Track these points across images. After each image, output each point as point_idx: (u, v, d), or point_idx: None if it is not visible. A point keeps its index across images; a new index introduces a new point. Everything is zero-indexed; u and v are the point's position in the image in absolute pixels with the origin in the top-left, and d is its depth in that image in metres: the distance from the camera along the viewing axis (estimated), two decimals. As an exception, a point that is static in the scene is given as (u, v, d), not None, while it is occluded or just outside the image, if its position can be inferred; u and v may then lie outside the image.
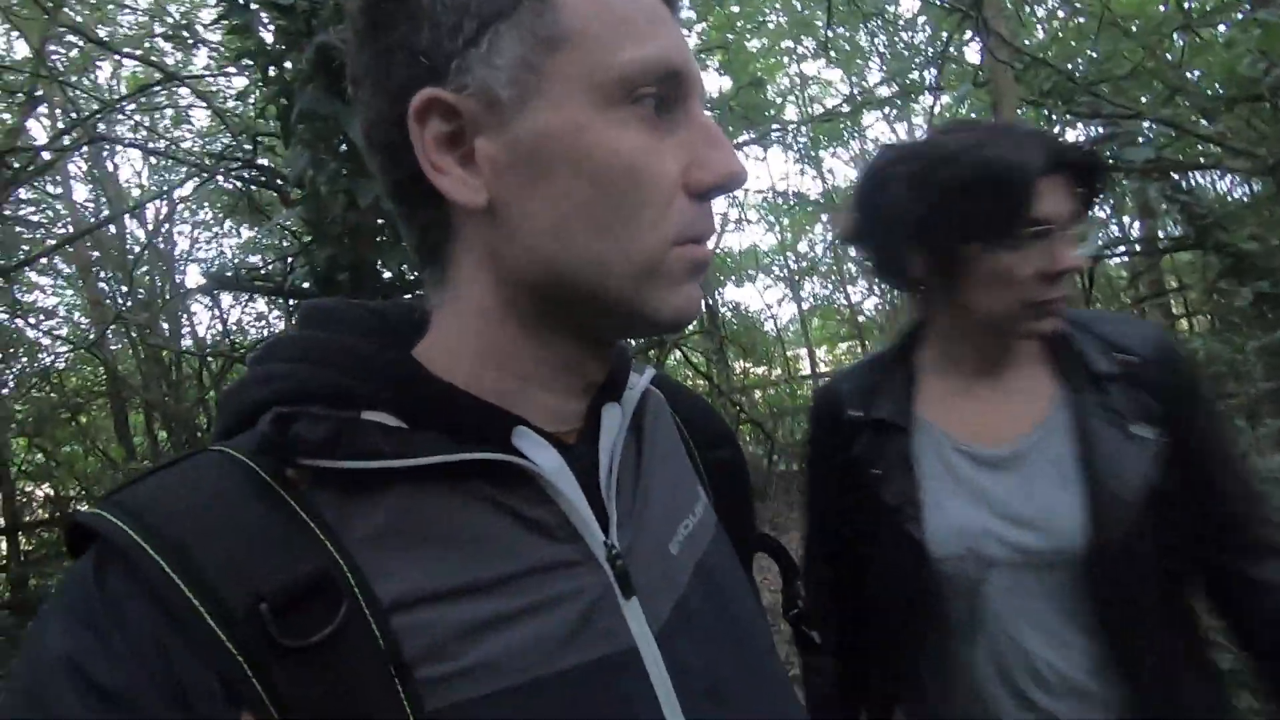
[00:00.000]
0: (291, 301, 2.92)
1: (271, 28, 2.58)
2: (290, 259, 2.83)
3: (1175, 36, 4.69)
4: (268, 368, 0.47)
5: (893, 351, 1.05)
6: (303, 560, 0.39)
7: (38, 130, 6.65)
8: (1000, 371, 0.97)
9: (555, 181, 0.44)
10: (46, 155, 5.06)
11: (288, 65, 2.62)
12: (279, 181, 3.44)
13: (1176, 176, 4.67)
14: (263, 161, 4.12)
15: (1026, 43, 5.20)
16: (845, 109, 6.83)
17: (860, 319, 10.33)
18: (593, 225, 0.44)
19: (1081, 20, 5.61)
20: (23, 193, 6.50)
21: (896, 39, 8.13)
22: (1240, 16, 4.17)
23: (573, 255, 0.45)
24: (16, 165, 4.32)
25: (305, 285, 2.80)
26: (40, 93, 5.05)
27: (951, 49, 5.08)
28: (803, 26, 7.19)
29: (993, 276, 0.89)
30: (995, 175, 0.87)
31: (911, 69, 6.70)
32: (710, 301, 8.25)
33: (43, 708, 0.34)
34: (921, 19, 7.98)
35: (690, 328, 7.63)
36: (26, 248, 6.39)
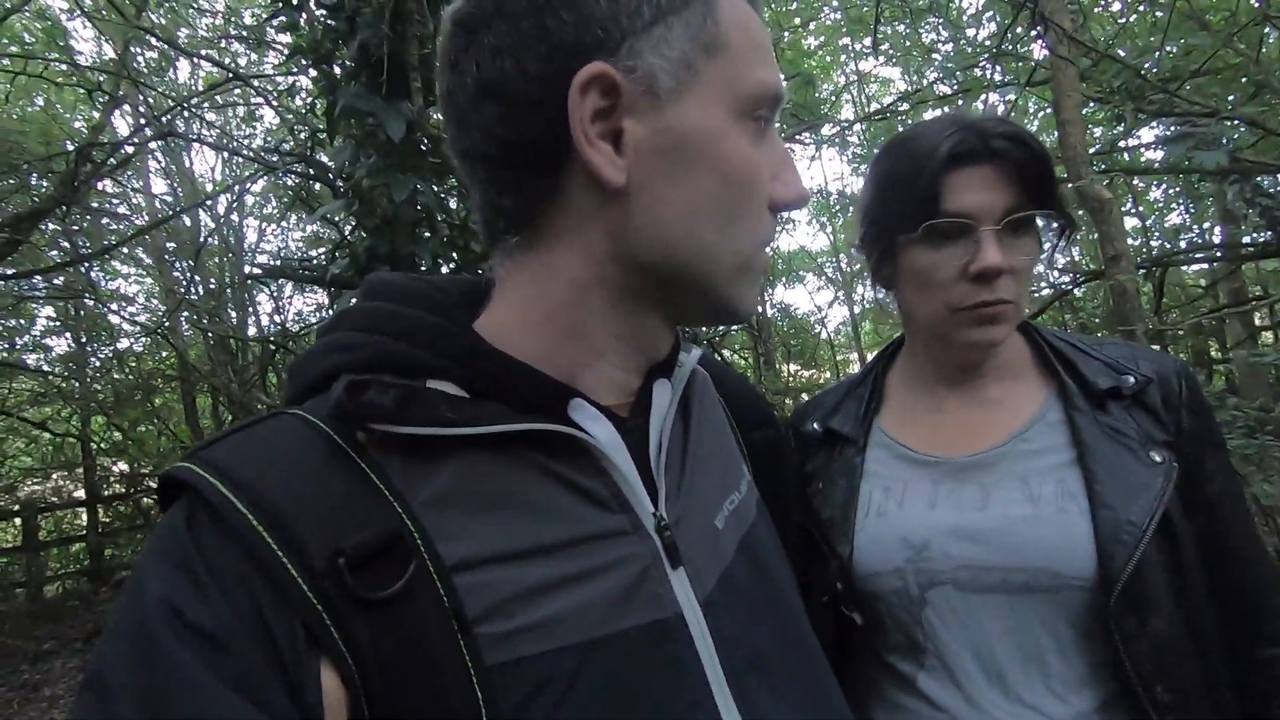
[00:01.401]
0: (332, 290, 3.04)
1: (320, 26, 2.69)
2: (335, 249, 2.94)
3: (1260, 30, 4.39)
4: (337, 337, 0.49)
5: (864, 371, 1.00)
6: (374, 520, 0.41)
7: (121, 127, 7.11)
8: (974, 384, 0.89)
9: (694, 175, 0.48)
10: (128, 149, 5.39)
11: (335, 63, 2.73)
12: (330, 176, 3.59)
13: (1261, 179, 4.37)
14: (320, 158, 4.30)
15: (1095, 37, 4.95)
16: (902, 106, 6.65)
17: (914, 324, 10.03)
18: (715, 219, 0.49)
19: (1158, 14, 5.31)
20: (107, 186, 6.98)
21: (960, 35, 7.87)
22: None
23: (694, 242, 0.49)
24: (98, 159, 4.61)
25: (345, 274, 2.90)
26: (122, 92, 5.39)
27: (1012, 45, 4.88)
28: (859, 24, 7.04)
29: (916, 276, 0.83)
30: (905, 165, 0.82)
31: (974, 65, 6.47)
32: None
33: (145, 645, 0.36)
34: (987, 14, 7.70)
35: (733, 328, 7.57)
36: (111, 238, 6.84)
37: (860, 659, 0.88)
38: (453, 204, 3.07)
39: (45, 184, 5.44)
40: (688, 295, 0.51)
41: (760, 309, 8.71)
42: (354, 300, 0.54)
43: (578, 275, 0.50)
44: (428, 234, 2.80)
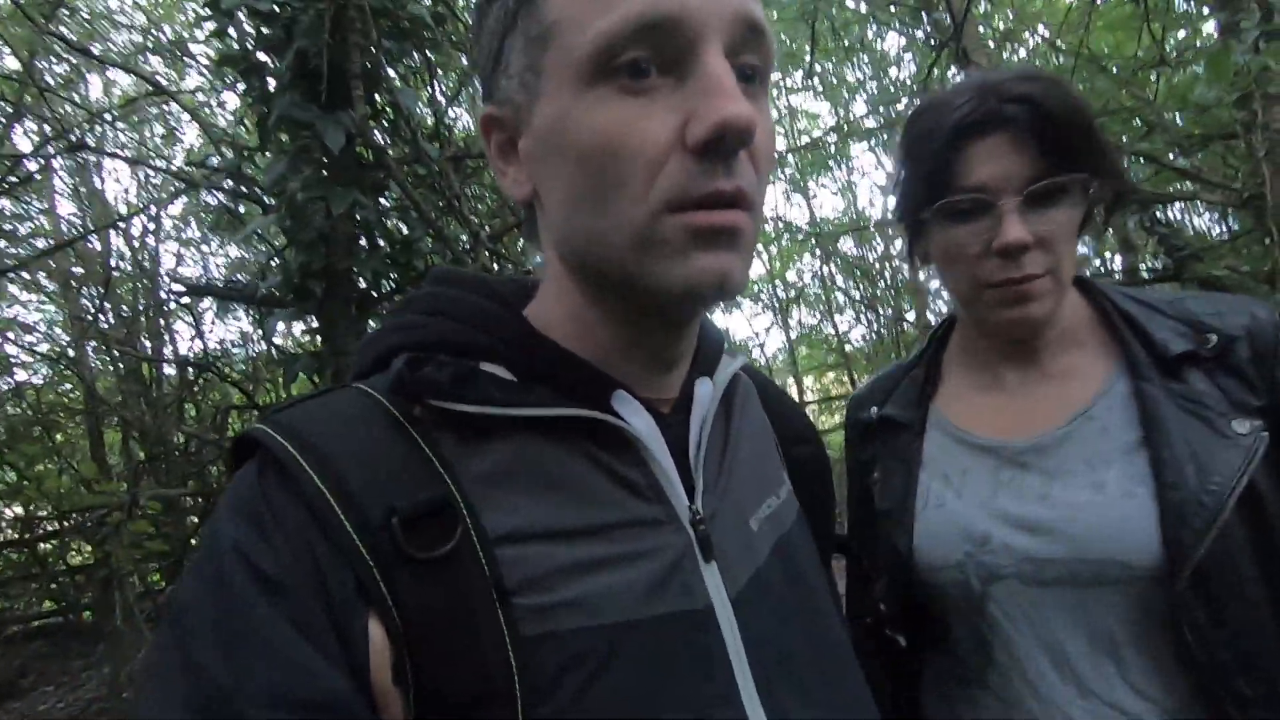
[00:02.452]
0: (261, 310, 2.88)
1: (253, 35, 2.59)
2: (264, 266, 2.80)
3: (1152, 76, 4.80)
4: (403, 318, 0.53)
5: (920, 351, 0.95)
6: (426, 487, 0.43)
7: (24, 144, 6.65)
8: (1033, 356, 0.82)
9: (558, 168, 0.47)
10: (32, 166, 5.03)
11: (267, 74, 2.63)
12: (259, 192, 3.43)
13: (1155, 210, 4.74)
14: (248, 175, 4.11)
15: (1007, 77, 5.32)
16: (831, 139, 6.94)
17: (847, 348, 10.36)
18: (587, 204, 0.46)
19: (1059, 60, 5.76)
20: (6, 205, 6.47)
21: (882, 73, 8.31)
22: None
23: (579, 235, 0.48)
24: (-2, 174, 4.29)
25: (278, 293, 2.76)
26: (27, 102, 5.05)
27: (934, 82, 5.18)
28: (790, 59, 7.35)
29: (943, 254, 0.80)
30: (921, 139, 0.78)
31: (896, 101, 6.83)
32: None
33: (219, 585, 0.40)
34: (907, 55, 8.18)
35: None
36: (9, 261, 6.33)
37: (922, 664, 0.84)
38: (393, 220, 2.98)
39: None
40: (611, 286, 0.49)
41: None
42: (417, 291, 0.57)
43: (560, 281, 0.53)
44: (366, 250, 2.70)
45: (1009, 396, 0.83)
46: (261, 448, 0.44)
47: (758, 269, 10.77)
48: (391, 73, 2.50)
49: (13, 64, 5.75)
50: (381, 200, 2.80)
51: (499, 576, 0.42)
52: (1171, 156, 4.58)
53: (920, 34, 6.97)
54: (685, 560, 0.48)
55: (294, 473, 0.42)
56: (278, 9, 2.28)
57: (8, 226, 6.87)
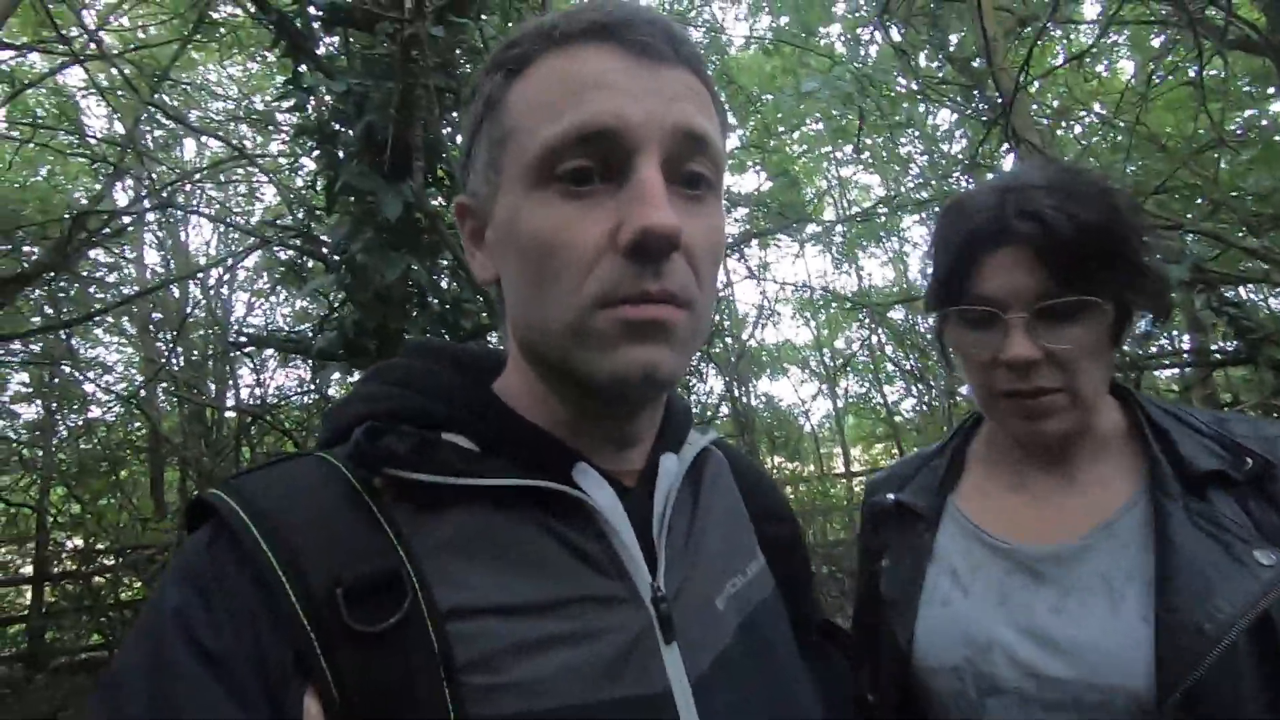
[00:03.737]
0: (316, 362, 3.01)
1: (326, 108, 2.80)
2: (322, 321, 2.94)
3: (1213, 154, 4.71)
4: (370, 388, 0.54)
5: (945, 440, 0.93)
6: (377, 558, 0.43)
7: (121, 199, 7.23)
8: (1060, 465, 0.79)
9: (510, 260, 0.50)
10: (124, 219, 5.45)
11: (338, 143, 2.82)
12: (325, 251, 3.63)
13: (1224, 289, 4.57)
14: (316, 234, 4.37)
15: (1060, 154, 5.29)
16: (881, 210, 6.97)
17: (896, 419, 10.10)
18: (528, 295, 0.49)
19: (1118, 137, 5.70)
20: (101, 255, 7.01)
21: (933, 148, 8.37)
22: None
23: (525, 323, 0.50)
24: (93, 228, 4.65)
25: (331, 347, 2.88)
26: (127, 166, 5.51)
27: (984, 159, 5.19)
28: (840, 134, 7.48)
29: (960, 354, 0.79)
30: (943, 238, 0.78)
31: (947, 175, 6.85)
32: (740, 394, 8.20)
33: (157, 649, 0.40)
34: (959, 131, 8.23)
35: (718, 418, 7.58)
36: (97, 305, 6.81)
37: None
38: (445, 282, 3.11)
39: (37, 251, 5.47)
40: (554, 371, 0.50)
41: (745, 399, 8.73)
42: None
43: (518, 358, 0.55)
44: (418, 311, 2.82)
45: (1031, 499, 0.80)
46: (215, 514, 0.45)
47: (805, 335, 10.72)
48: (451, 144, 2.64)
49: (119, 128, 6.33)
50: (437, 260, 2.93)
51: (448, 653, 0.42)
52: (1240, 235, 4.44)
53: (971, 111, 7.03)
54: (644, 640, 0.47)
55: (243, 541, 0.43)
56: (351, 86, 2.47)
57: (99, 273, 7.42)
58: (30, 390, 7.57)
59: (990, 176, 0.83)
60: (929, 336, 8.87)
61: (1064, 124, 6.91)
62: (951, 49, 7.01)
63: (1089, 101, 7.00)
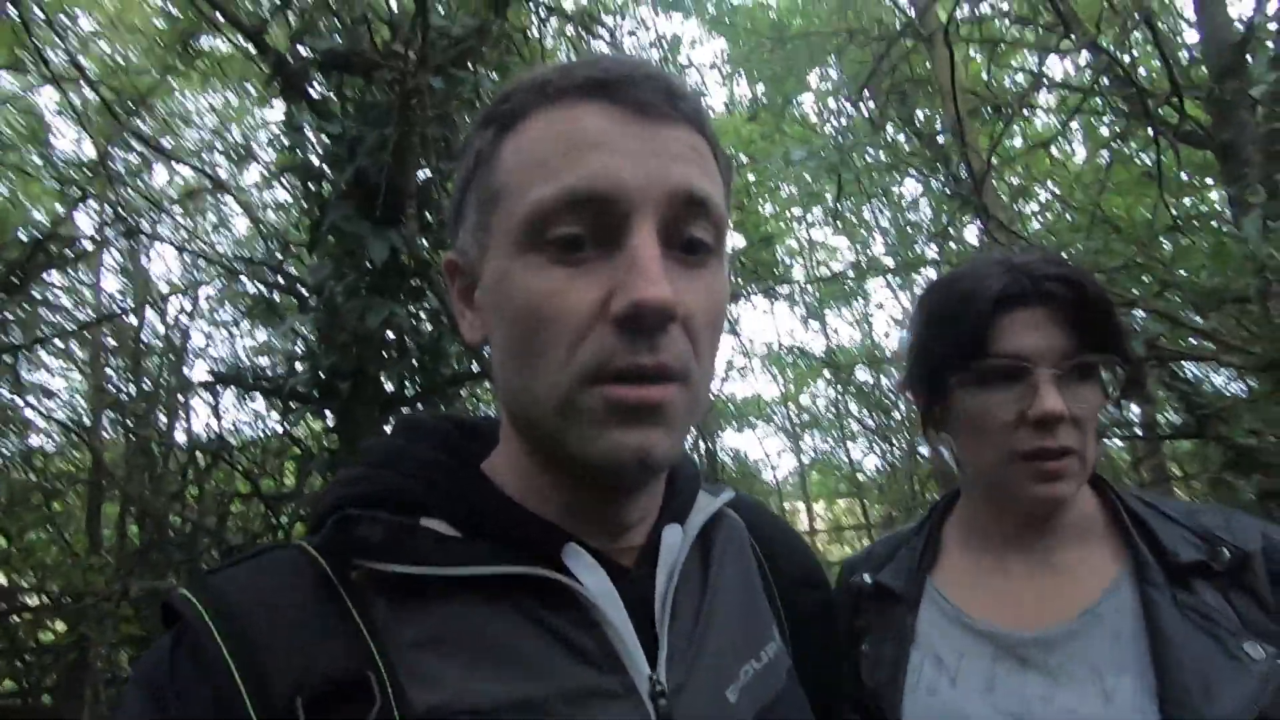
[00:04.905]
0: (289, 403, 2.93)
1: (319, 149, 2.79)
2: (294, 362, 2.87)
3: (1162, 240, 5.00)
4: (348, 471, 0.51)
5: (921, 520, 0.92)
6: (345, 659, 0.41)
7: (84, 224, 7.03)
8: (1041, 546, 0.80)
9: (497, 324, 0.48)
10: (86, 244, 5.29)
11: (327, 183, 2.81)
12: (299, 288, 3.57)
13: (1173, 365, 4.78)
14: (289, 270, 4.30)
15: (1022, 229, 5.55)
16: (850, 274, 7.19)
17: (860, 477, 10.20)
18: (517, 363, 0.47)
19: (1072, 216, 6.03)
20: (56, 278, 6.76)
21: (900, 215, 8.71)
22: (1222, 227, 4.46)
23: (513, 390, 0.48)
24: (53, 250, 4.50)
25: (306, 390, 2.81)
26: (94, 190, 5.39)
27: (952, 229, 5.41)
28: (812, 198, 7.74)
29: (971, 419, 0.78)
30: (953, 304, 0.79)
31: (914, 243, 7.12)
32: (708, 445, 8.21)
33: None
34: (924, 199, 8.61)
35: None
36: (47, 329, 6.53)
37: None
38: (425, 327, 3.07)
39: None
40: (543, 445, 0.48)
41: (710, 449, 8.73)
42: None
43: (504, 425, 0.53)
44: (397, 356, 2.77)
45: (1011, 582, 0.80)
46: (185, 622, 0.43)
47: (771, 391, 10.84)
48: (442, 191, 2.65)
49: (89, 151, 6.21)
50: (419, 306, 2.90)
51: None
52: (1188, 314, 4.67)
53: (935, 184, 7.37)
54: None
55: (206, 649, 0.41)
56: (345, 130, 2.47)
57: (51, 296, 7.14)
58: (-37, 415, 7.15)
59: (953, 247, 0.87)
60: (892, 396, 9.09)
61: (1023, 200, 7.28)
62: (918, 124, 7.38)
63: (1043, 179, 7.40)
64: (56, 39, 4.92)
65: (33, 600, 6.85)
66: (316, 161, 2.88)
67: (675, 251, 0.46)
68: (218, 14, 3.18)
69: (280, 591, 0.44)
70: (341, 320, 2.66)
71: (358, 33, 2.58)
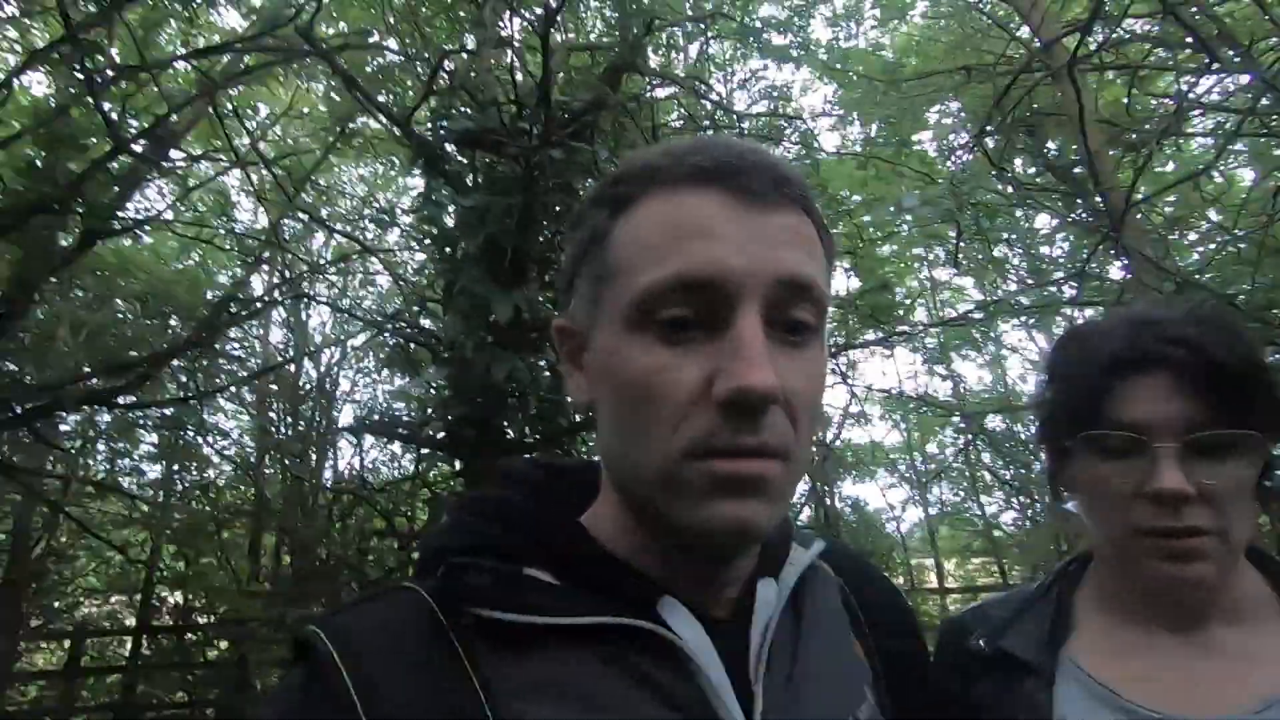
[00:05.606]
0: (422, 448, 3.17)
1: (453, 217, 3.07)
2: (430, 410, 3.12)
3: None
4: (457, 518, 0.54)
5: (1045, 583, 0.85)
6: (456, 705, 0.44)
7: (255, 283, 8.02)
8: (1195, 626, 0.73)
9: (605, 392, 0.50)
10: (259, 304, 6.03)
11: (460, 248, 3.08)
12: (434, 341, 3.89)
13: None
14: (425, 324, 4.70)
15: (1179, 262, 5.04)
16: (978, 315, 6.81)
17: (996, 533, 9.42)
18: (622, 433, 0.49)
19: (1240, 246, 5.40)
20: (233, 333, 7.73)
21: (1033, 251, 8.17)
22: None
23: (618, 459, 0.50)
24: (234, 310, 5.17)
25: (438, 435, 3.04)
26: (266, 255, 6.16)
27: (1093, 265, 5.02)
28: (934, 236, 7.45)
29: (1089, 488, 0.73)
30: (1073, 364, 0.74)
31: (1050, 282, 6.65)
32: (825, 494, 7.92)
33: None
34: (1061, 236, 8.03)
35: (801, 522, 7.30)
36: (225, 377, 7.46)
37: None
38: (546, 378, 3.25)
39: (182, 328, 6.11)
40: (645, 509, 0.49)
41: (830, 501, 8.41)
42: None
43: (606, 483, 0.54)
44: (518, 406, 2.95)
45: (1166, 663, 0.72)
46: (313, 653, 0.46)
47: (894, 438, 10.34)
48: (562, 254, 2.83)
49: (264, 221, 7.13)
50: (539, 360, 3.07)
51: None
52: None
53: (1072, 218, 6.88)
54: None
55: (335, 688, 0.44)
56: (476, 202, 2.71)
57: (229, 349, 8.16)
58: (157, 451, 8.23)
59: (1102, 302, 0.81)
60: (1031, 447, 8.38)
61: (1178, 233, 6.62)
62: (1050, 155, 6.96)
63: (1202, 209, 6.69)
64: (243, 129, 5.74)
65: (203, 620, 7.65)
66: (450, 226, 3.16)
67: (778, 333, 0.47)
68: (369, 101, 3.60)
69: (401, 634, 0.46)
70: (470, 373, 2.86)
71: (488, 113, 2.84)
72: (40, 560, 7.07)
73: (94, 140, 3.97)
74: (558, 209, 2.77)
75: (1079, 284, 5.22)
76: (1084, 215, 6.17)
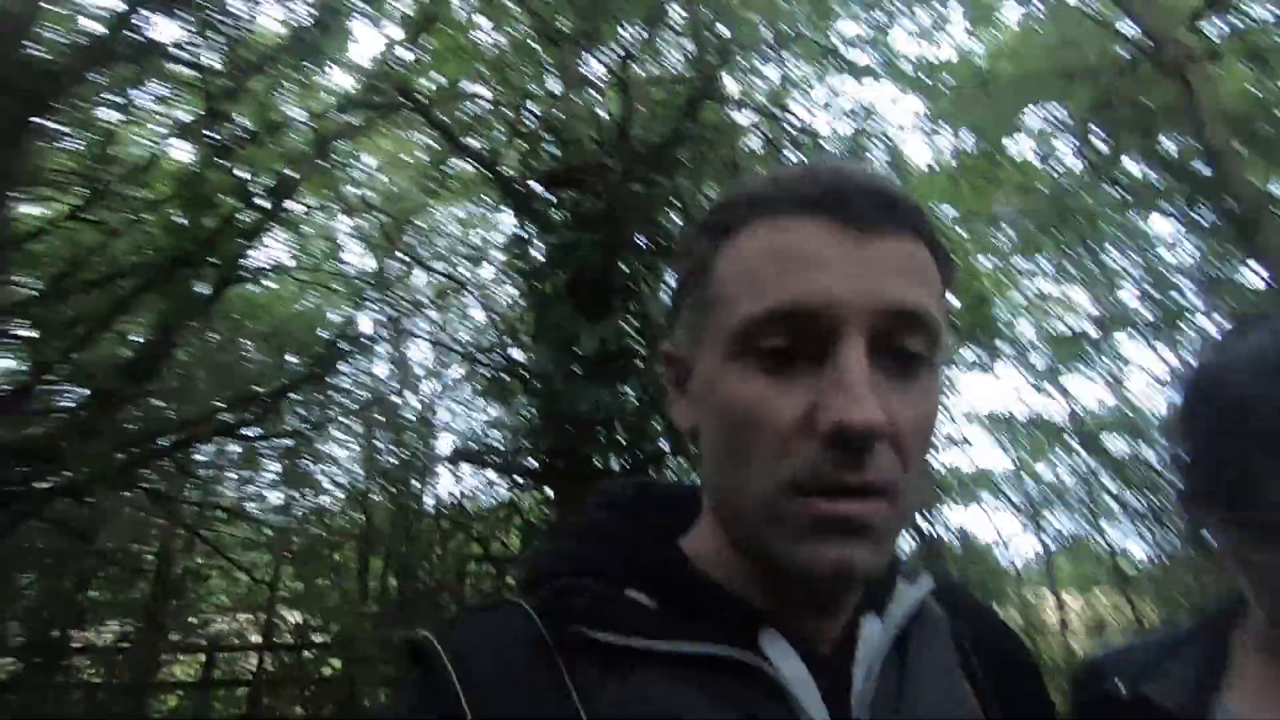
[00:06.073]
0: (515, 477, 3.28)
1: (542, 256, 3.20)
2: (522, 439, 3.22)
3: None
4: (561, 541, 0.56)
5: (1197, 623, 0.78)
6: (560, 715, 0.45)
7: (365, 323, 8.59)
8: None
9: (707, 420, 0.50)
10: (366, 341, 6.46)
11: (549, 285, 3.19)
12: (524, 373, 4.03)
13: None
14: (516, 356, 4.88)
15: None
16: (1091, 330, 6.34)
17: (1121, 565, 8.62)
18: (725, 463, 0.48)
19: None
20: (342, 366, 8.30)
21: (1152, 257, 7.56)
22: None
23: (720, 492, 0.50)
24: (344, 347, 5.55)
25: (529, 464, 3.13)
26: (372, 294, 6.60)
27: (1225, 275, 4.59)
28: (1033, 247, 7.02)
29: (1243, 565, 0.66)
30: (1213, 417, 0.65)
31: (1173, 289, 6.11)
32: (928, 522, 7.53)
33: None
34: (1187, 239, 7.38)
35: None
36: (336, 409, 8.00)
37: None
38: (631, 405, 3.30)
39: (300, 364, 6.62)
40: (748, 540, 0.48)
41: (934, 529, 7.99)
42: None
43: (708, 510, 0.54)
44: (605, 436, 3.01)
45: None
46: (427, 659, 0.48)
47: (1001, 463, 9.71)
48: (645, 286, 2.88)
49: (371, 263, 7.65)
50: (624, 390, 3.12)
51: None
52: None
53: (1198, 218, 6.32)
54: None
55: (446, 689, 0.45)
56: (563, 240, 2.82)
57: (340, 382, 8.75)
58: (279, 479, 8.89)
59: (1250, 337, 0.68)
60: (1160, 472, 7.63)
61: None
62: (1166, 156, 6.44)
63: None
64: (350, 179, 6.22)
65: (318, 639, 8.12)
66: (539, 262, 3.28)
67: (887, 363, 0.46)
68: (461, 147, 3.82)
69: (507, 645, 0.48)
70: (558, 403, 2.94)
71: (571, 151, 2.96)
72: (180, 580, 7.75)
73: (224, 197, 4.41)
74: (641, 242, 2.83)
75: (1209, 293, 4.78)
76: (1217, 214, 5.65)
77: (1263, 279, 3.84)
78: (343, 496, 8.93)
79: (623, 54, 2.85)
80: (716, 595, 0.49)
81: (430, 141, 6.51)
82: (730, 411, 0.47)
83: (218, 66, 3.60)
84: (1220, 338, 0.72)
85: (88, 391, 4.23)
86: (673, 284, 0.58)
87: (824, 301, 0.44)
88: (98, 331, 3.98)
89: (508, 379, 5.08)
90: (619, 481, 0.61)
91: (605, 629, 0.46)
